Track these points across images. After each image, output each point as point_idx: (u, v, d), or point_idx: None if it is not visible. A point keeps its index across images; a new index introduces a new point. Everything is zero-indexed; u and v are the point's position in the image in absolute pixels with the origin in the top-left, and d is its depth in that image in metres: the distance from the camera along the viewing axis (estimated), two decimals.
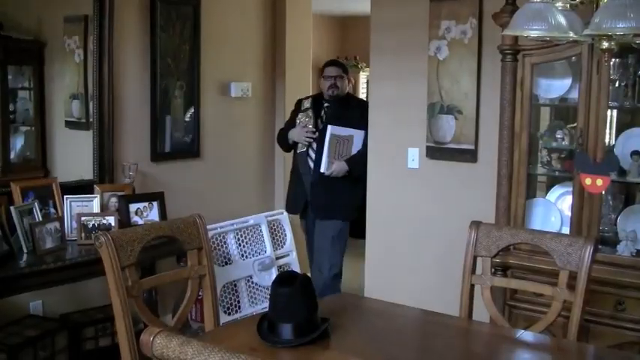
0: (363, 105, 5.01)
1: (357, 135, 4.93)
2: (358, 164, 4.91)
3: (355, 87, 9.72)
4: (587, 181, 3.34)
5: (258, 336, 2.42)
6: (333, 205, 5.02)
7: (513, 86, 3.63)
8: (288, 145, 5.19)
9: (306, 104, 5.11)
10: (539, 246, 2.81)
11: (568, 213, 3.64)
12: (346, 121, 4.96)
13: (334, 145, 4.86)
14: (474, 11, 4.26)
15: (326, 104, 5.08)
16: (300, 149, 5.05)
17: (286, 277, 2.52)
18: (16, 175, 4.03)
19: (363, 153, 4.92)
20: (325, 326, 2.45)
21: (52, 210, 4.00)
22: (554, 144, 3.77)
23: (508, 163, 3.67)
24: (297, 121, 5.06)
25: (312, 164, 4.98)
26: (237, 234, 4.87)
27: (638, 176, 3.45)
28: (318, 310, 2.49)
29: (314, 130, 4.97)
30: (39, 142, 4.27)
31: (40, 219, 3.76)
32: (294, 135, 5.06)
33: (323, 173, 4.89)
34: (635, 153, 3.44)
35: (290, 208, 5.29)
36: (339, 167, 4.89)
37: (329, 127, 4.87)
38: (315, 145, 4.97)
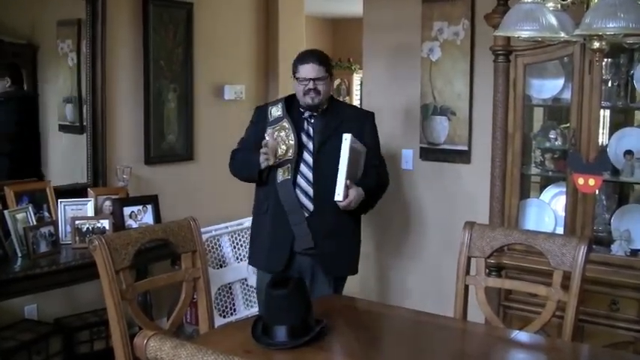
0: (368, 116, 3.69)
1: (364, 152, 3.53)
2: (374, 192, 3.56)
3: (349, 89, 9.75)
4: (580, 180, 3.35)
5: (253, 338, 2.42)
6: (341, 252, 3.59)
7: (506, 87, 3.64)
8: (253, 173, 3.49)
9: (276, 112, 3.55)
10: (533, 246, 2.81)
11: (562, 213, 3.65)
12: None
13: (351, 162, 3.32)
14: (466, 12, 4.27)
15: (306, 113, 3.54)
16: (282, 177, 3.46)
17: (280, 280, 2.52)
18: (9, 178, 4.02)
19: (380, 173, 3.61)
20: (320, 328, 2.45)
21: (46, 214, 3.99)
22: (547, 144, 3.78)
23: (501, 164, 3.68)
24: (267, 138, 3.43)
25: (305, 198, 3.45)
26: (232, 236, 4.87)
27: (631, 176, 3.46)
28: (312, 312, 2.49)
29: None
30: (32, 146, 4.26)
31: (34, 223, 3.75)
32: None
33: (325, 207, 3.42)
34: (628, 152, 3.45)
35: (265, 263, 3.59)
36: (357, 194, 3.37)
37: (347, 135, 3.31)
38: (307, 171, 3.47)
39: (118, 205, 4.17)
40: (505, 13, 2.41)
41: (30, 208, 3.80)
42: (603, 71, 3.48)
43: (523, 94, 3.65)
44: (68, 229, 3.92)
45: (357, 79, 9.46)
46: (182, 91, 5.06)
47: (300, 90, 3.48)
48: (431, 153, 4.53)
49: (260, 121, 3.60)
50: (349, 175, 3.30)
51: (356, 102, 9.57)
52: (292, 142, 3.44)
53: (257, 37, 5.86)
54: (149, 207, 4.27)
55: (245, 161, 3.56)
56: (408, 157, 4.64)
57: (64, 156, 4.51)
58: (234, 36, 5.61)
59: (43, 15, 4.30)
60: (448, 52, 4.38)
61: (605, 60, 3.51)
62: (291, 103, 3.58)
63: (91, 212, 4.05)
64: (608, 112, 3.65)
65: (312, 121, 3.53)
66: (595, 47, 2.28)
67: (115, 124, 4.63)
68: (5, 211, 3.65)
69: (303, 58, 3.54)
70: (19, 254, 3.60)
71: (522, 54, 3.59)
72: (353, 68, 9.55)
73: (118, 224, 4.08)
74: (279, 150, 3.43)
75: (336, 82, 9.81)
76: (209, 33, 5.26)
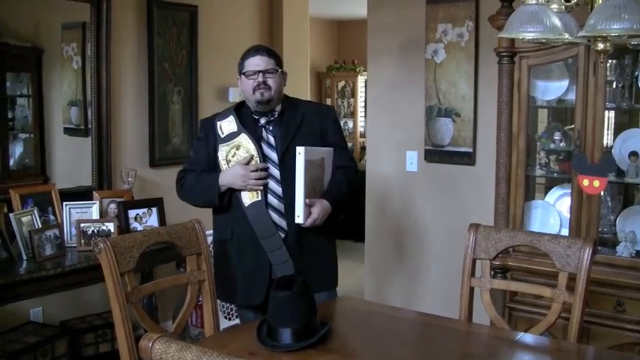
0: (328, 111, 3.43)
1: (327, 155, 3.14)
2: (343, 197, 3.18)
3: (354, 91, 9.74)
4: (585, 182, 3.35)
5: (257, 340, 2.42)
6: (321, 269, 3.18)
7: (510, 88, 3.63)
8: (212, 198, 3.12)
9: (228, 126, 3.14)
10: (538, 248, 2.81)
11: (567, 214, 3.64)
12: (309, 140, 3.10)
13: (310, 176, 3.00)
14: (470, 14, 4.27)
15: (262, 120, 3.15)
16: (250, 200, 3.07)
17: (284, 282, 2.51)
18: (15, 182, 4.03)
19: (348, 174, 3.21)
20: (325, 330, 2.45)
21: (52, 217, 4.00)
22: (552, 146, 3.78)
23: (506, 166, 3.67)
24: (224, 158, 3.12)
25: (279, 217, 3.08)
26: None
27: (636, 177, 3.45)
28: (317, 314, 2.49)
29: (265, 166, 3.07)
30: (38, 149, 4.28)
31: (40, 226, 3.76)
32: (232, 180, 3.07)
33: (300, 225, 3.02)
34: (632, 154, 3.44)
35: (241, 298, 3.18)
36: (322, 210, 3.03)
37: (300, 149, 2.96)
38: (276, 186, 3.09)
39: (123, 208, 4.17)
40: (509, 15, 2.41)
41: (35, 211, 3.82)
42: (608, 72, 3.47)
43: (527, 96, 3.65)
44: (73, 231, 3.93)
45: (361, 80, 9.45)
46: (187, 93, 5.07)
47: (248, 87, 3.12)
48: (435, 155, 4.52)
49: (209, 137, 3.18)
50: (310, 192, 2.99)
51: (360, 104, 9.56)
52: (257, 159, 3.07)
53: (261, 38, 5.86)
54: (154, 210, 4.28)
55: (201, 185, 3.15)
56: (413, 158, 4.64)
57: (69, 159, 4.52)
58: (238, 38, 5.61)
59: (48, 18, 4.31)
60: (452, 53, 4.38)
61: (610, 61, 3.50)
62: (240, 114, 3.19)
63: (96, 215, 4.06)
64: (612, 114, 3.64)
65: (271, 128, 3.15)
66: (599, 48, 2.27)
67: (120, 127, 4.64)
68: (11, 214, 3.66)
69: (249, 51, 3.23)
70: (25, 257, 3.61)
71: (527, 55, 3.59)
72: (357, 70, 9.54)
73: (123, 227, 4.09)
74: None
75: (341, 83, 9.81)
76: (213, 35, 5.27)
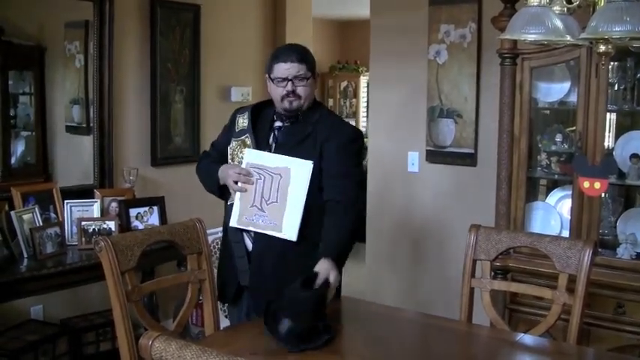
0: (342, 133, 2.93)
1: (298, 168, 2.81)
2: (352, 238, 2.85)
3: (356, 91, 9.75)
4: (586, 184, 3.35)
5: (266, 328, 2.44)
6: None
7: (512, 90, 3.64)
8: (214, 188, 3.04)
9: (243, 122, 3.00)
10: (539, 249, 2.81)
11: (568, 216, 3.65)
12: (309, 156, 2.83)
13: (260, 186, 2.85)
14: (473, 15, 4.28)
15: (277, 123, 2.98)
16: (230, 201, 2.96)
17: (306, 280, 2.51)
18: (16, 180, 4.03)
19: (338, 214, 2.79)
20: (329, 337, 2.44)
21: (53, 215, 4.00)
22: (553, 147, 3.78)
23: (508, 167, 3.67)
24: (231, 153, 3.00)
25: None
26: None
27: (637, 179, 3.45)
28: (326, 317, 2.50)
29: (247, 171, 2.87)
30: (40, 147, 4.28)
31: (41, 224, 3.76)
32: (222, 175, 2.96)
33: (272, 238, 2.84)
34: (634, 156, 3.45)
35: (218, 291, 3.04)
36: (335, 279, 2.66)
37: (246, 151, 2.91)
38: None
39: (125, 207, 4.18)
40: (512, 17, 2.41)
41: (36, 209, 3.82)
42: (610, 74, 3.48)
43: (529, 97, 3.65)
44: (74, 230, 3.93)
45: (363, 81, 9.47)
46: (189, 92, 5.07)
47: (276, 94, 2.90)
48: (437, 156, 4.52)
49: (231, 128, 3.06)
50: (251, 203, 2.83)
51: (362, 104, 9.57)
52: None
53: (264, 38, 5.87)
54: (155, 208, 4.28)
55: (208, 172, 3.07)
56: (414, 159, 4.64)
57: (70, 157, 4.52)
58: (241, 38, 5.62)
59: (51, 17, 4.31)
60: (455, 54, 4.38)
61: (612, 63, 3.50)
62: (261, 110, 3.02)
63: (97, 213, 4.06)
64: (614, 116, 3.64)
65: (281, 133, 2.96)
66: (601, 51, 2.28)
67: (122, 126, 4.65)
68: (12, 212, 3.66)
69: (280, 54, 2.94)
70: (26, 255, 3.62)
71: (529, 57, 3.59)
72: (360, 70, 9.55)
73: (124, 225, 4.09)
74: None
75: (343, 84, 9.82)
76: (216, 35, 5.28)
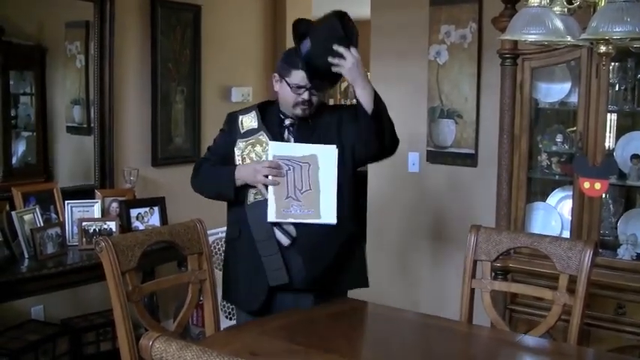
0: (352, 106, 3.03)
1: (324, 153, 2.90)
2: (385, 109, 3.08)
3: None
4: (586, 184, 3.35)
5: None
6: (339, 274, 2.97)
7: (513, 90, 3.64)
8: (227, 190, 2.94)
9: (250, 122, 2.97)
10: (539, 250, 2.81)
11: (568, 217, 3.65)
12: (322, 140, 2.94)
13: (291, 176, 2.89)
14: (473, 16, 4.28)
15: (288, 121, 2.97)
16: (254, 199, 2.90)
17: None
18: (17, 180, 4.03)
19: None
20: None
21: (53, 215, 4.00)
22: (553, 148, 3.78)
23: (508, 167, 3.68)
24: (240, 154, 2.95)
25: (287, 224, 2.89)
26: None
27: (638, 180, 3.45)
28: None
29: (276, 162, 2.86)
30: (40, 147, 4.27)
31: (42, 224, 3.76)
32: (246, 174, 2.88)
33: (311, 230, 2.88)
34: (634, 157, 3.45)
35: (241, 300, 3.05)
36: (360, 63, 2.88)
37: (270, 144, 2.90)
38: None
39: (125, 207, 4.18)
40: (512, 17, 2.42)
41: (37, 210, 3.82)
42: (610, 75, 3.48)
43: (530, 98, 3.65)
44: (75, 230, 3.93)
45: None
46: (189, 92, 5.07)
47: (289, 98, 2.88)
48: (437, 156, 4.53)
49: (232, 130, 3.00)
50: (285, 193, 2.86)
51: None
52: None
53: (264, 39, 5.87)
54: (156, 209, 4.28)
55: (216, 176, 2.99)
56: (415, 159, 4.64)
57: (71, 157, 4.52)
58: (241, 38, 5.62)
59: (52, 17, 4.32)
60: (455, 55, 4.38)
61: (613, 64, 3.51)
62: (266, 108, 3.01)
63: (98, 214, 4.06)
64: (615, 116, 3.65)
65: (294, 129, 2.97)
66: (602, 51, 2.27)
67: (123, 126, 4.65)
68: (13, 212, 3.66)
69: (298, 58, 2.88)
70: (26, 255, 3.62)
71: (529, 57, 3.59)
72: None
73: (125, 226, 4.09)
74: None
75: (344, 84, 9.80)
76: (216, 35, 5.28)
